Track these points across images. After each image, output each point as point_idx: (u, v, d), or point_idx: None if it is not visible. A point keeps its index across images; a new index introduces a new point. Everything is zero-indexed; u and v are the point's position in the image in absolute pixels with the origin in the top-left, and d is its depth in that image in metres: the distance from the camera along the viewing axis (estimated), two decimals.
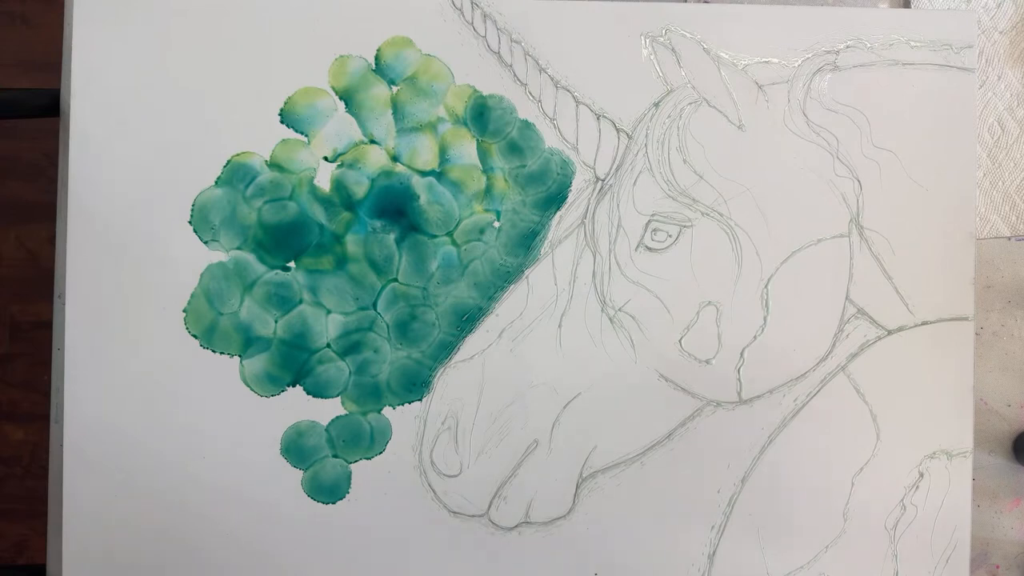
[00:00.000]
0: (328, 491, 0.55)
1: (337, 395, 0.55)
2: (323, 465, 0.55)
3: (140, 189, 0.54)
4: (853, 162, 0.56)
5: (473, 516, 0.55)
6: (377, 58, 0.55)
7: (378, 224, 0.55)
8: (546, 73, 0.56)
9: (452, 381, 0.55)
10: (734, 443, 0.56)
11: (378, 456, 0.55)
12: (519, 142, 0.56)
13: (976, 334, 0.59)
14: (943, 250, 0.57)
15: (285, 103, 0.55)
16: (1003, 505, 0.59)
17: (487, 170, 0.56)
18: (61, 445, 0.54)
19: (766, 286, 0.56)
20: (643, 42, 0.56)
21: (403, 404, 0.55)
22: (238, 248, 0.55)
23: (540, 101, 0.56)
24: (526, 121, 0.56)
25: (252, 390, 0.55)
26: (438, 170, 0.55)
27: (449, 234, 0.55)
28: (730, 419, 0.56)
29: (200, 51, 0.55)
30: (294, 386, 0.55)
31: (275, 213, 0.55)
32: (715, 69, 0.56)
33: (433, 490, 0.55)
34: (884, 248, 0.56)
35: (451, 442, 0.55)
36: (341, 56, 0.55)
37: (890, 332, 0.57)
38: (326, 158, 0.55)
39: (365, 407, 0.55)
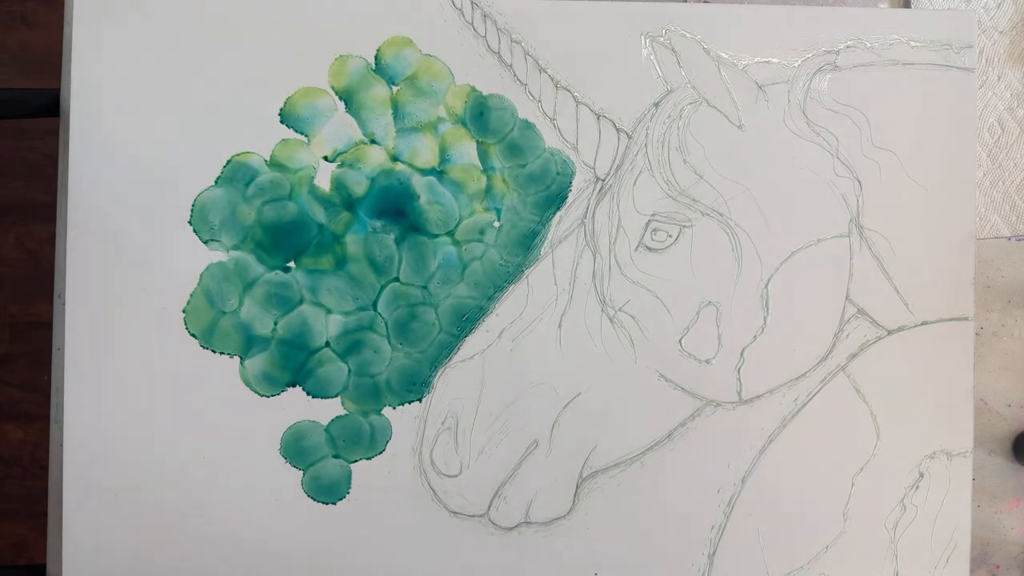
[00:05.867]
0: (328, 491, 0.55)
1: (337, 395, 0.55)
2: (323, 465, 0.55)
3: (140, 189, 0.54)
4: (853, 162, 0.56)
5: (473, 516, 0.55)
6: (377, 58, 0.55)
7: (378, 224, 0.55)
8: (546, 73, 0.56)
9: (452, 381, 0.55)
10: (734, 443, 0.56)
11: (378, 456, 0.55)
12: (519, 142, 0.56)
13: (976, 334, 0.59)
14: (943, 250, 0.57)
15: (285, 103, 0.55)
16: (1003, 505, 0.59)
17: (487, 170, 0.56)
18: (61, 445, 0.54)
19: (766, 286, 0.56)
20: (643, 42, 0.56)
21: (403, 404, 0.55)
22: (238, 248, 0.55)
23: (540, 101, 0.56)
24: (526, 121, 0.56)
25: (252, 390, 0.55)
26: (438, 169, 0.55)
27: (449, 234, 0.55)
28: (730, 419, 0.56)
29: (200, 51, 0.55)
30: (294, 386, 0.55)
31: (275, 213, 0.55)
32: (715, 69, 0.56)
33: (433, 490, 0.55)
34: (884, 248, 0.56)
35: (451, 442, 0.55)
36: (341, 56, 0.55)
37: (890, 332, 0.57)
38: (326, 158, 0.55)
39: (365, 407, 0.55)
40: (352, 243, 0.55)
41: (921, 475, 0.57)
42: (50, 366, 0.56)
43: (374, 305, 0.55)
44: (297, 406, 0.55)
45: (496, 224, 0.56)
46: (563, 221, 0.56)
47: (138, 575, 0.55)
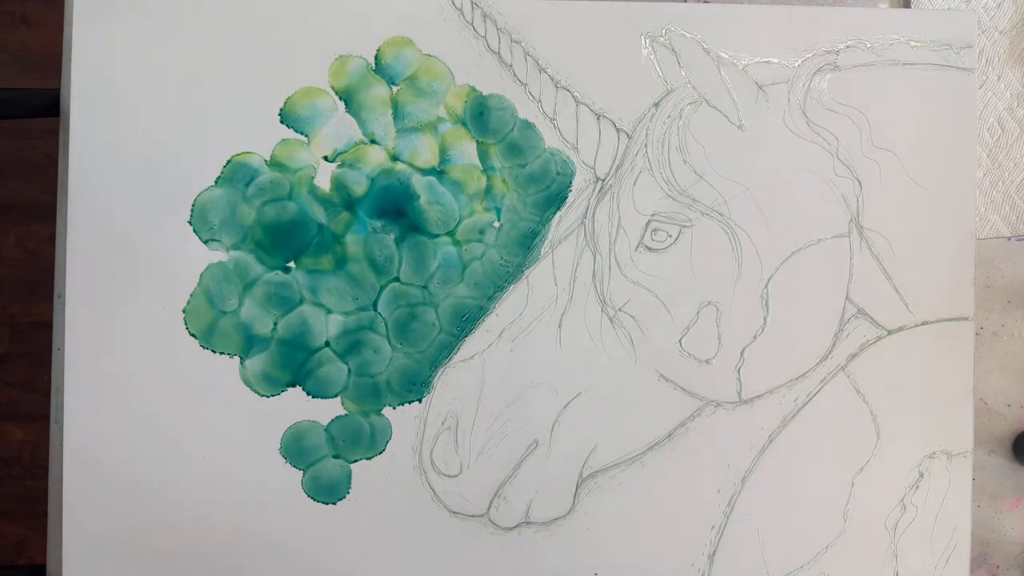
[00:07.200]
0: (328, 491, 0.55)
1: (337, 395, 0.55)
2: (323, 465, 0.55)
3: (140, 189, 0.54)
4: (853, 162, 0.56)
5: (473, 516, 0.55)
6: (377, 58, 0.55)
7: (378, 224, 0.55)
8: (546, 73, 0.56)
9: (452, 381, 0.55)
10: (734, 443, 0.56)
11: (378, 456, 0.55)
12: (519, 142, 0.56)
13: (976, 334, 0.59)
14: (943, 250, 0.57)
15: (285, 103, 0.55)
16: (1003, 505, 0.59)
17: (487, 170, 0.56)
18: (61, 445, 0.54)
19: (766, 286, 0.56)
20: (643, 42, 0.56)
21: (403, 404, 0.55)
22: (238, 248, 0.55)
23: (540, 101, 0.56)
24: (526, 121, 0.56)
25: (252, 390, 0.55)
26: (438, 169, 0.55)
27: (449, 234, 0.55)
28: (730, 419, 0.56)
29: (200, 51, 0.55)
30: (294, 386, 0.55)
31: (275, 213, 0.55)
32: (715, 69, 0.56)
33: (433, 490, 0.55)
34: (884, 248, 0.56)
35: (451, 442, 0.55)
36: (341, 56, 0.55)
37: (890, 332, 0.57)
38: (326, 158, 0.55)
39: (365, 407, 0.55)
40: (352, 243, 0.55)
41: (921, 475, 0.57)
42: (50, 366, 0.56)
43: (374, 305, 0.55)
44: (297, 406, 0.55)
45: (496, 224, 0.56)
46: (563, 221, 0.56)
47: (138, 575, 0.55)
